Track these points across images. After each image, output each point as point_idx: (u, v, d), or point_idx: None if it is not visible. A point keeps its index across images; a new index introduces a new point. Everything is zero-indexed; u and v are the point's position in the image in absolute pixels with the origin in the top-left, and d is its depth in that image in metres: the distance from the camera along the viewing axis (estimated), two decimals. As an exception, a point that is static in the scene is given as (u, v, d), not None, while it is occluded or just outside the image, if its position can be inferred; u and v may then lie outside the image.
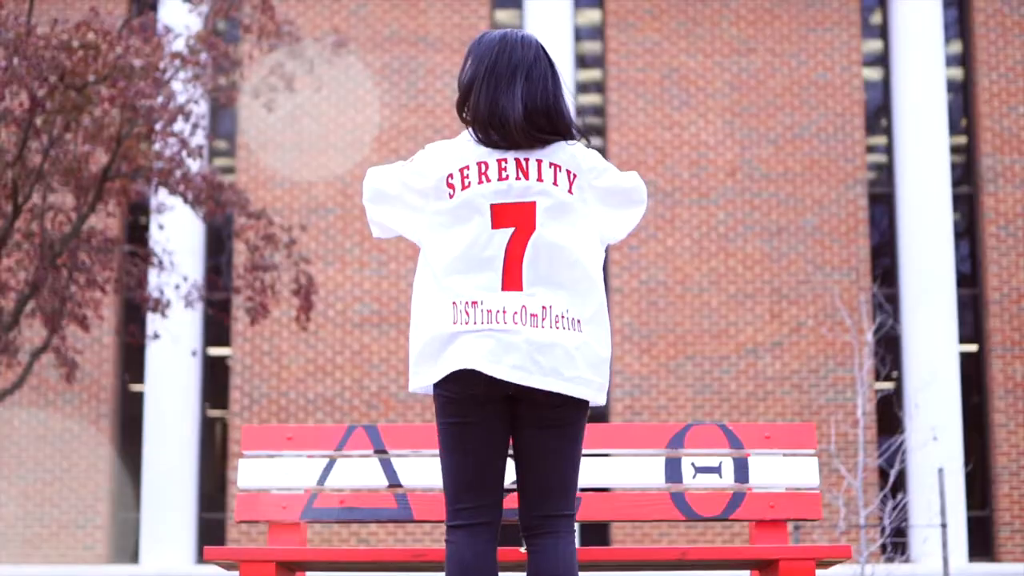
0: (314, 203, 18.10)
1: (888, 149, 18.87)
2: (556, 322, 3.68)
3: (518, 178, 3.76)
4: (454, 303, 3.70)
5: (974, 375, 18.28)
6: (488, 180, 3.76)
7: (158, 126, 11.78)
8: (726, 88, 18.34)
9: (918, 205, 18.15)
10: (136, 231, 17.75)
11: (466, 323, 3.69)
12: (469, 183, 3.76)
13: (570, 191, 3.78)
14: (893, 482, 12.05)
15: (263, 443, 5.10)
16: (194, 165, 12.54)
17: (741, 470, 4.94)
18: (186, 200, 12.36)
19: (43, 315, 11.92)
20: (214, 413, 18.59)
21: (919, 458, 16.59)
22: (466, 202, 3.75)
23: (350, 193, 18.23)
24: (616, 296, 18.11)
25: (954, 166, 18.65)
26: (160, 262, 13.22)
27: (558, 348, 3.67)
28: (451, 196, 3.77)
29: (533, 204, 3.74)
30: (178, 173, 12.15)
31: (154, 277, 13.73)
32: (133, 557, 17.99)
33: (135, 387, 18.42)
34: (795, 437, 5.02)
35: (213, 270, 18.20)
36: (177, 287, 13.30)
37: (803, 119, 18.28)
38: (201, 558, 17.66)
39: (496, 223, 3.73)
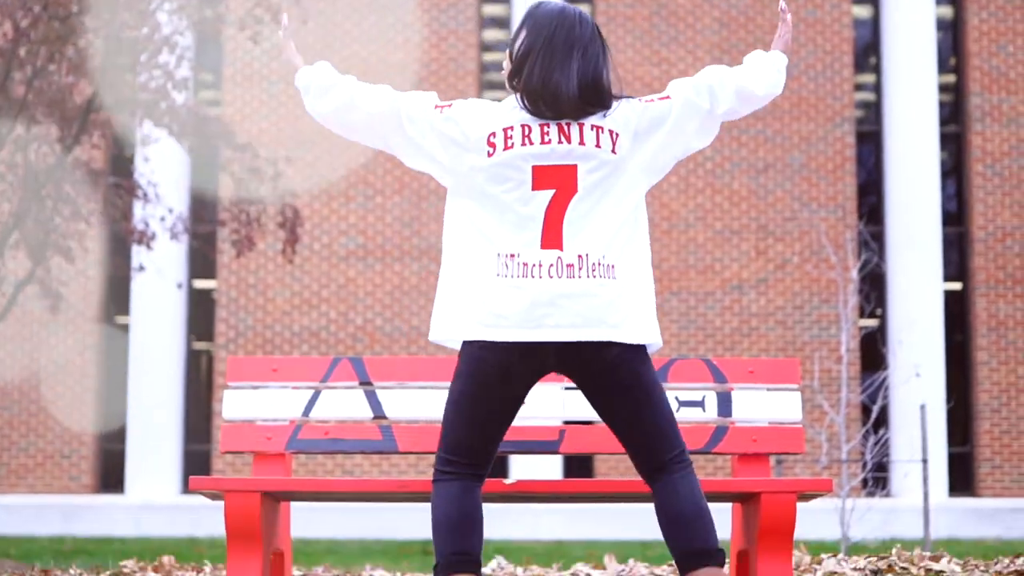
0: (300, 136, 18.03)
1: (876, 87, 18.84)
2: (592, 270, 3.69)
3: (560, 142, 3.77)
4: (497, 253, 3.72)
5: (958, 313, 18.35)
6: (531, 143, 3.77)
7: (143, 58, 11.71)
8: (715, 24, 18.26)
9: (905, 143, 18.14)
10: (121, 163, 17.68)
11: (504, 276, 3.70)
12: (512, 143, 3.77)
13: (613, 151, 3.79)
14: (875, 418, 12.09)
15: (248, 375, 5.12)
16: (179, 97, 12.46)
17: (724, 404, 4.97)
18: (171, 132, 12.30)
19: (27, 247, 11.89)
20: (200, 346, 18.61)
21: (902, 394, 16.67)
22: (507, 162, 3.76)
23: (336, 126, 18.15)
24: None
25: (942, 105, 18.63)
26: (145, 194, 13.17)
27: (597, 298, 3.68)
28: (490, 155, 3.77)
29: (575, 167, 3.75)
30: (163, 105, 12.08)
31: (139, 209, 13.68)
32: (119, 487, 18.05)
33: (120, 319, 18.42)
34: (778, 372, 5.04)
35: (198, 203, 18.15)
36: (162, 219, 13.26)
37: (791, 56, 18.22)
38: (186, 488, 17.74)
39: (537, 184, 3.75)
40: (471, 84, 18.33)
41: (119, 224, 13.17)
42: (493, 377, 3.75)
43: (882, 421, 16.33)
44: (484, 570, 6.53)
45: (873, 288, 17.62)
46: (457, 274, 3.79)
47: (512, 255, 3.71)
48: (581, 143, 3.77)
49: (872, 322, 18.26)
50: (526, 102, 3.80)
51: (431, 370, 5.05)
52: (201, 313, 18.51)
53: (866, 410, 15.20)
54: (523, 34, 3.88)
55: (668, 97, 3.93)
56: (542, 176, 3.75)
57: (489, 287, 3.71)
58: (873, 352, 17.32)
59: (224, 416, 5.07)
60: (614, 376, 3.77)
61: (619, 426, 3.83)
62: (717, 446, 4.96)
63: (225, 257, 17.71)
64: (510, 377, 3.77)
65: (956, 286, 18.43)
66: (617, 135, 3.80)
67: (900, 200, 18.12)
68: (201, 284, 18.66)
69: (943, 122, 18.56)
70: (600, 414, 3.88)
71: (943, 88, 18.68)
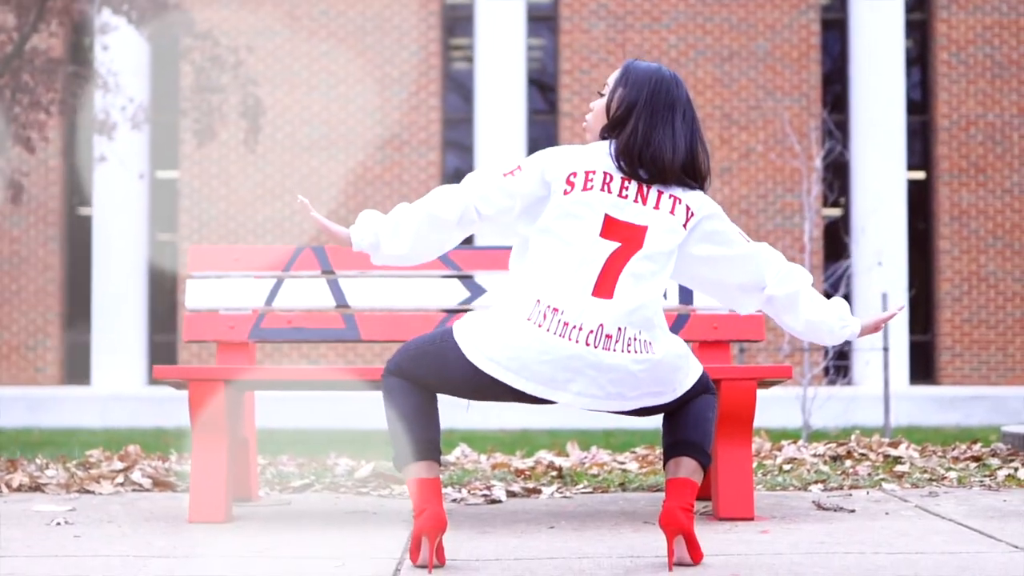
0: (261, 24, 17.84)
1: (842, -26, 18.73)
2: (628, 345, 3.65)
3: (636, 201, 3.74)
4: (538, 300, 3.66)
5: (921, 202, 18.43)
6: (609, 191, 3.73)
7: (100, -57, 11.52)
8: (680, -90, 18.09)
9: (871, 31, 18.09)
10: (80, 52, 17.48)
11: (539, 325, 3.63)
12: (591, 186, 3.73)
13: (685, 225, 3.77)
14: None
15: (211, 264, 5.10)
16: (138, -16, 12.27)
17: (686, 291, 4.99)
18: (130, 20, 12.14)
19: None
20: (163, 237, 18.55)
21: (864, 283, 16.81)
22: (582, 202, 3.72)
23: (298, 15, 17.97)
24: (566, 120, 18.03)
25: (907, -8, 18.55)
26: (105, 83, 13.02)
27: (624, 372, 3.64)
28: (566, 192, 3.73)
29: (645, 228, 3.72)
30: (121, -9, 11.90)
31: (100, 99, 13.54)
32: (85, 378, 18.07)
33: (83, 210, 18.31)
34: (740, 260, 5.06)
35: (160, 92, 17.97)
36: (123, 109, 13.13)
37: None
38: (152, 379, 17.78)
39: (605, 233, 3.70)
40: (435, 10, 18.15)
41: (80, 113, 13.03)
42: (493, 392, 3.76)
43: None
44: (448, 458, 6.58)
45: (837, 177, 17.67)
46: (500, 309, 3.72)
47: (555, 308, 3.64)
48: (656, 207, 3.75)
49: (835, 211, 18.33)
50: (622, 161, 3.76)
51: (394, 259, 5.04)
52: (164, 204, 18.42)
53: (829, 299, 15.33)
54: (620, 90, 3.86)
55: (749, 241, 3.92)
56: (611, 227, 3.71)
57: (519, 331, 3.65)
58: (836, 241, 17.41)
59: (187, 305, 5.07)
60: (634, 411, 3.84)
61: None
62: (678, 333, 4.99)
63: (187, 147, 17.59)
64: (510, 399, 3.78)
65: (919, 175, 18.49)
66: (692, 213, 3.79)
67: (865, 88, 18.11)
68: (164, 175, 18.54)
69: (909, 9, 18.49)
70: None
71: (909, -25, 18.59)
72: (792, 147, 17.23)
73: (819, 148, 15.43)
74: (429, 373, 3.75)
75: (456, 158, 18.51)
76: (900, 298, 17.22)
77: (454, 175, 18.23)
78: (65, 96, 12.56)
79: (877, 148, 17.92)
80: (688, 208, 3.78)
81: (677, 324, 4.98)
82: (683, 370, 3.77)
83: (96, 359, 17.77)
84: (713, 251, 3.85)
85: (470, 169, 18.14)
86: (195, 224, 17.88)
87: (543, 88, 18.81)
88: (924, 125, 18.52)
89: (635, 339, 3.67)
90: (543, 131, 18.38)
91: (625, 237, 3.71)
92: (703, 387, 3.83)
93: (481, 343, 3.68)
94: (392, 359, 3.81)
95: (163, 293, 18.35)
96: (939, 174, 18.15)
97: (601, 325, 3.64)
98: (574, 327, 3.63)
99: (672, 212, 3.76)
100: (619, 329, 3.65)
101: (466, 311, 5.04)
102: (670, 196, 3.77)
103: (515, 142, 17.90)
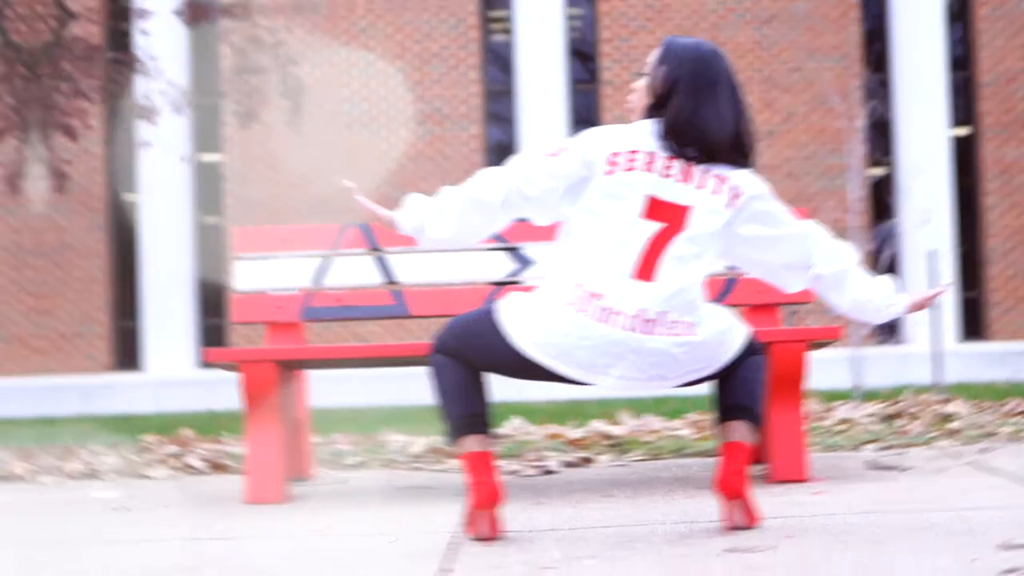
0: (299, 3, 17.84)
1: (879, -69, 18.56)
2: (670, 329, 3.64)
3: (680, 181, 3.70)
4: (578, 284, 3.64)
5: (965, 158, 18.28)
6: (652, 172, 3.70)
7: (136, -72, 11.55)
8: None
9: (910, -12, 17.92)
10: (119, 38, 17.53)
11: (580, 310, 3.62)
12: (634, 167, 3.70)
13: (731, 205, 3.73)
14: (885, 267, 12.14)
15: (257, 245, 5.13)
16: (175, -32, 12.30)
17: (732, 257, 4.98)
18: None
19: (30, 126, 11.83)
20: (209, 220, 18.63)
21: (911, 241, 16.70)
22: (624, 183, 3.69)
23: (335, -7, 17.99)
24: (607, 89, 17.98)
25: (946, -54, 18.37)
26: (145, 68, 13.06)
27: (666, 355, 3.64)
28: (608, 172, 3.70)
29: (688, 208, 3.68)
30: (158, -24, 11.94)
31: (140, 84, 13.58)
32: (135, 365, 18.19)
33: (128, 196, 18.42)
34: (786, 223, 5.04)
35: (200, 75, 18.02)
36: (164, 93, 13.16)
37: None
38: (203, 362, 17.89)
39: (647, 214, 3.67)
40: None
41: (121, 100, 13.08)
42: (535, 373, 3.75)
43: (892, 269, 16.38)
44: (502, 431, 6.61)
45: (880, 136, 17.54)
46: (542, 292, 3.71)
47: (595, 294, 3.62)
48: (700, 187, 3.70)
49: (880, 171, 18.21)
50: (669, 140, 3.72)
51: (439, 234, 5.05)
52: (209, 187, 18.50)
53: (876, 259, 15.25)
54: (662, 68, 3.81)
55: (798, 220, 3.88)
56: (654, 208, 3.67)
57: (560, 317, 3.64)
58: (881, 200, 17.30)
59: (235, 287, 5.10)
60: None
61: None
62: (727, 298, 4.99)
63: (229, 129, 17.65)
64: (552, 379, 3.78)
65: (964, 131, 18.33)
66: (739, 193, 3.74)
67: (906, 46, 17.96)
68: (207, 158, 18.62)
69: (948, -35, 18.32)
70: None
71: (948, -70, 18.41)
72: (834, 108, 17.11)
73: (862, 108, 15.33)
74: (473, 351, 3.76)
75: (498, 131, 18.49)
76: (947, 255, 17.11)
77: (497, 148, 18.21)
78: (106, 83, 12.61)
79: (920, 106, 17.78)
80: (734, 188, 3.74)
81: (725, 289, 4.98)
82: (726, 344, 3.75)
83: (146, 344, 17.89)
84: (761, 231, 3.81)
85: (513, 142, 18.12)
86: (240, 206, 17.95)
87: (583, 58, 18.75)
88: (967, 81, 18.35)
89: (677, 322, 3.65)
90: (584, 101, 18.34)
91: (668, 218, 3.68)
92: (750, 350, 3.81)
93: (524, 326, 3.68)
94: (438, 336, 3.82)
95: (211, 276, 18.44)
96: (983, 130, 17.99)
97: (642, 310, 3.63)
98: (615, 312, 3.62)
99: (717, 192, 3.72)
100: (661, 313, 3.64)
101: (515, 283, 5.05)
102: (716, 176, 3.73)
103: (556, 113, 17.87)
